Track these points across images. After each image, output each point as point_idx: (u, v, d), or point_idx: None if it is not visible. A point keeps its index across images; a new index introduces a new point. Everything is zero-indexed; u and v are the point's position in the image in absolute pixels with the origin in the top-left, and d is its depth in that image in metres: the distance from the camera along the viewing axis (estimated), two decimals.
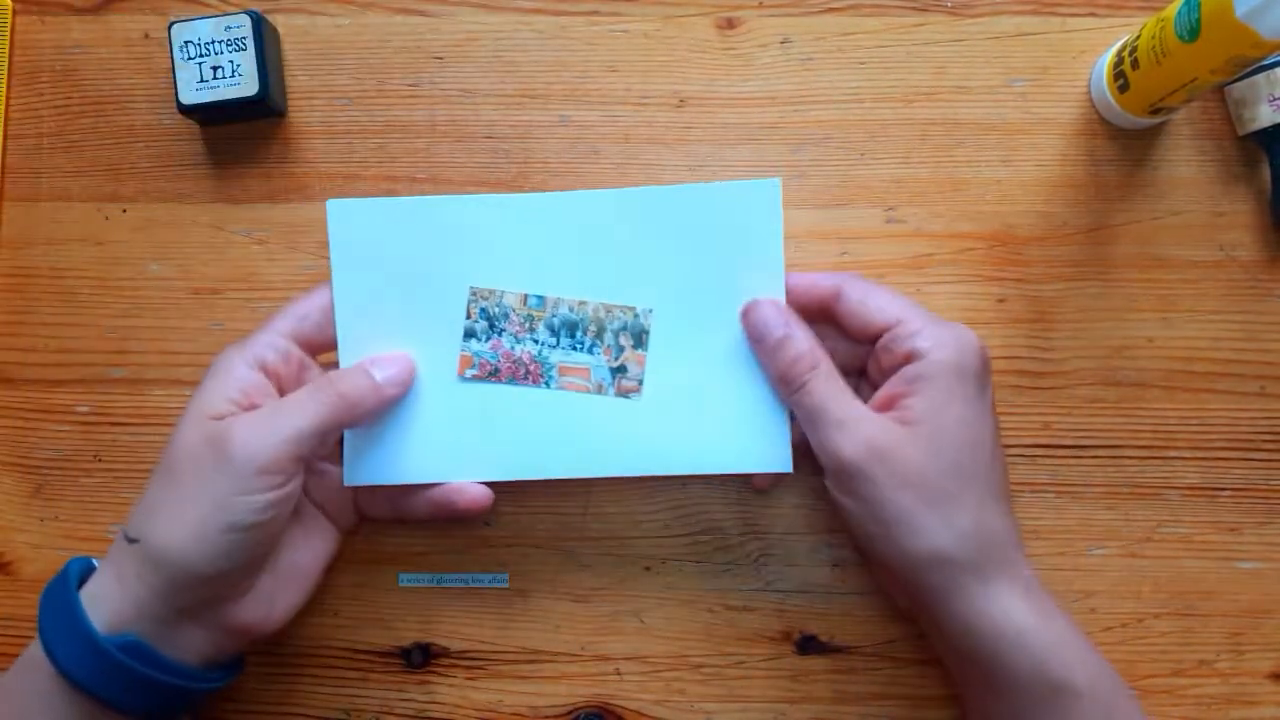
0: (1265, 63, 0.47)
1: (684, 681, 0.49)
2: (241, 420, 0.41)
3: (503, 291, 0.45)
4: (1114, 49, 0.48)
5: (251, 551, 0.41)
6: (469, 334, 0.45)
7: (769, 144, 0.50)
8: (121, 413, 0.50)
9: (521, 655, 0.49)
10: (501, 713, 0.49)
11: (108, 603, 0.40)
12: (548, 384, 0.45)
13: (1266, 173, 0.49)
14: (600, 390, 0.45)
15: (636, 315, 0.45)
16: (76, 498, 0.50)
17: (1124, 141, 0.50)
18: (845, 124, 0.50)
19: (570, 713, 0.49)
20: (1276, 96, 0.47)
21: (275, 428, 0.41)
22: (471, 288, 0.45)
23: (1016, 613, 0.40)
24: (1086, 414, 0.49)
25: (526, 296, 0.45)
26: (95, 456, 0.50)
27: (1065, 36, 0.50)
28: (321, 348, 0.45)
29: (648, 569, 0.49)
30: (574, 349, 0.45)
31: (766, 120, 0.50)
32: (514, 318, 0.45)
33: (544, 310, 0.45)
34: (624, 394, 0.45)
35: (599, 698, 0.49)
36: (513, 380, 0.45)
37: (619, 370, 0.45)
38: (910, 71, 0.50)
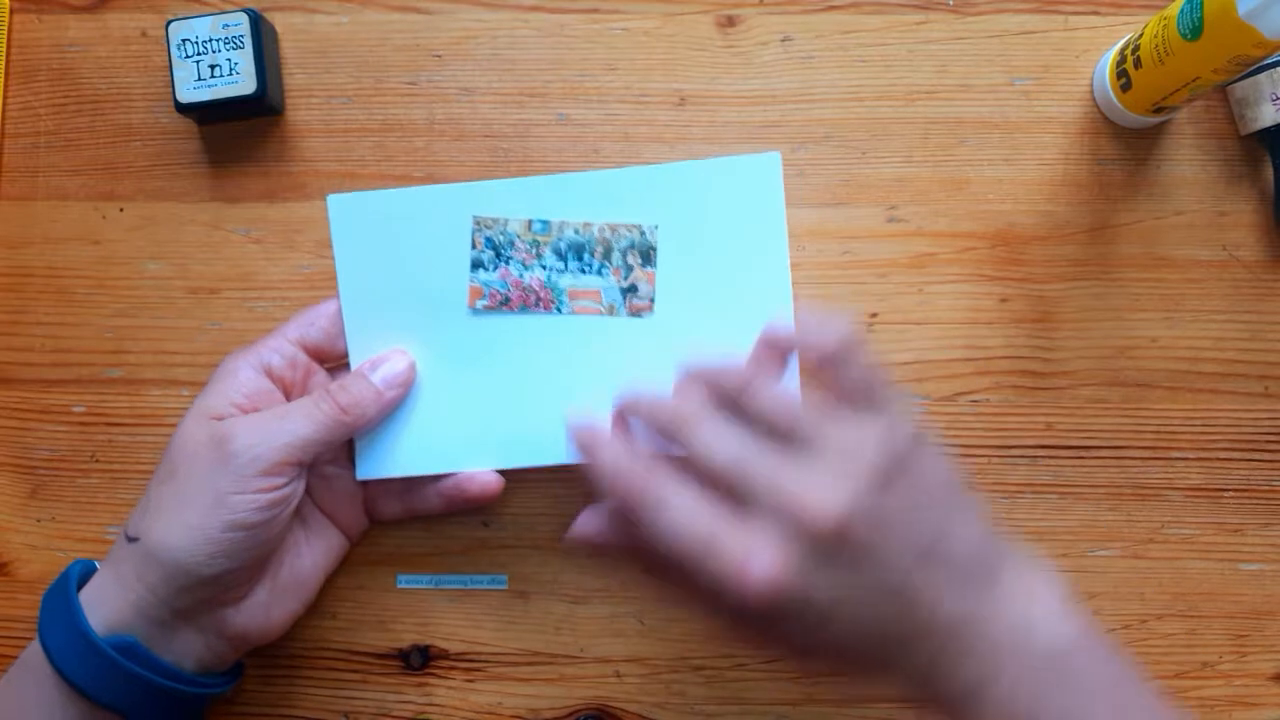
0: (1267, 62, 0.47)
1: (684, 684, 0.48)
2: (244, 421, 0.41)
3: (506, 219, 0.44)
4: (1116, 47, 0.48)
5: (251, 552, 0.41)
6: (476, 264, 0.45)
7: (770, 142, 0.50)
8: (118, 413, 0.50)
9: (521, 657, 0.49)
10: (501, 715, 0.49)
11: (107, 603, 0.40)
12: (559, 309, 0.45)
13: (1269, 172, 0.49)
14: (612, 312, 0.45)
15: (643, 233, 0.45)
16: (73, 498, 0.50)
17: (1126, 140, 0.50)
18: (846, 122, 0.50)
19: (570, 715, 0.48)
20: (1279, 96, 0.47)
21: (277, 432, 0.41)
22: (475, 217, 0.45)
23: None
24: (1089, 414, 0.49)
25: (531, 222, 0.45)
26: (92, 457, 0.50)
27: (1068, 35, 0.50)
28: (329, 356, 0.45)
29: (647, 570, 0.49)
30: (583, 272, 0.45)
31: (767, 119, 0.50)
32: (520, 244, 0.44)
33: (549, 235, 0.45)
34: (636, 313, 0.45)
35: (598, 700, 0.49)
36: (524, 309, 0.45)
37: (630, 290, 0.45)
38: (912, 70, 0.50)
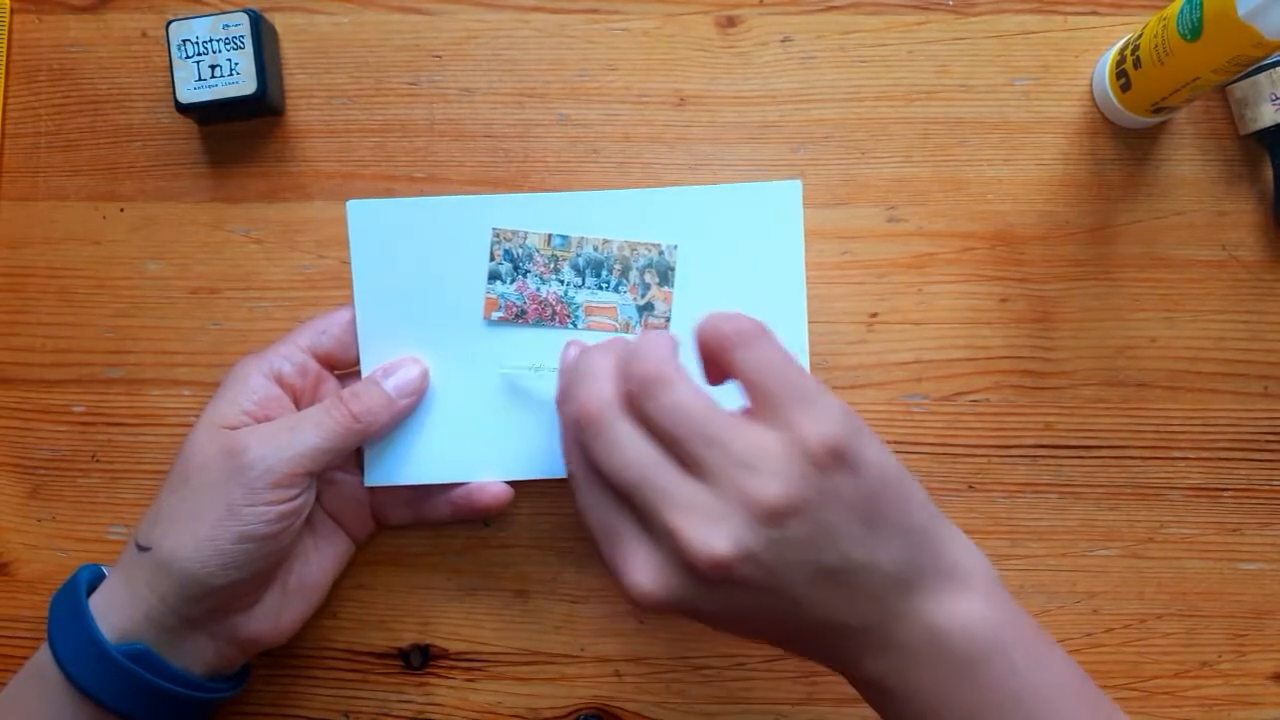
0: (1267, 62, 0.47)
1: (684, 683, 0.48)
2: (256, 432, 0.41)
3: (526, 232, 0.45)
4: (1116, 48, 0.48)
5: (263, 562, 0.41)
6: (493, 276, 0.45)
7: (770, 143, 0.50)
8: (118, 413, 0.50)
9: (521, 657, 0.49)
10: (501, 714, 0.49)
11: (117, 611, 0.40)
12: (574, 324, 0.45)
13: (1268, 172, 0.49)
14: (627, 329, 0.45)
15: (661, 252, 0.45)
16: (73, 498, 0.50)
17: (1126, 140, 0.50)
18: (846, 123, 0.50)
19: (570, 714, 0.49)
20: (1278, 96, 0.47)
21: (290, 442, 0.41)
22: (494, 229, 0.45)
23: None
24: (1089, 414, 0.49)
25: (550, 237, 0.45)
26: (92, 457, 0.50)
27: (1067, 35, 0.50)
28: (340, 364, 0.45)
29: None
30: (600, 288, 0.45)
31: (767, 119, 0.50)
32: (538, 258, 0.45)
33: (568, 250, 0.45)
34: None
35: (599, 699, 0.49)
36: (539, 322, 0.45)
37: (646, 308, 0.45)
38: (912, 70, 0.50)
